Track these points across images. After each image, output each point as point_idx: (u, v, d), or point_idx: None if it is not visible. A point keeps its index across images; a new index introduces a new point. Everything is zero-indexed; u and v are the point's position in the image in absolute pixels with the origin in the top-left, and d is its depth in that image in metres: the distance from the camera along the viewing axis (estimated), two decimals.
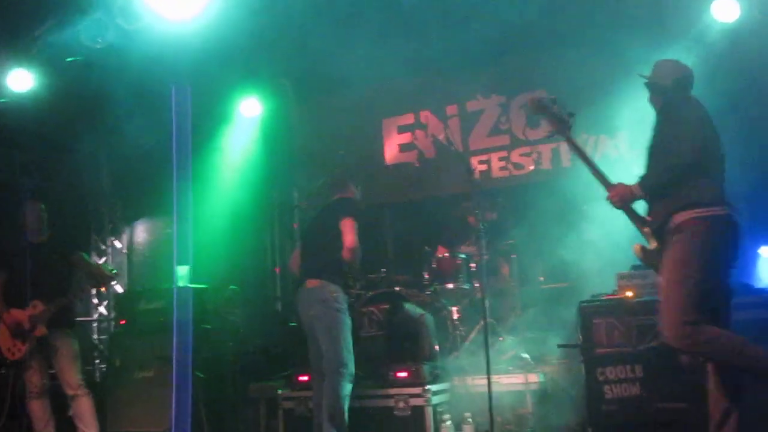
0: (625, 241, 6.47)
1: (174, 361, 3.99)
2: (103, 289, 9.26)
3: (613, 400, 5.31)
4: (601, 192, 6.89)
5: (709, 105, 4.54)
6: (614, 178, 7.00)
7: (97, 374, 9.02)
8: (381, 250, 8.48)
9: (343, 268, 5.69)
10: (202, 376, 6.64)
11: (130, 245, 10.24)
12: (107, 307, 9.86)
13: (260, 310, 8.97)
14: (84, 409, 6.31)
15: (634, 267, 5.70)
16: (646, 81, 4.69)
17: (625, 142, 8.04)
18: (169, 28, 6.68)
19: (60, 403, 6.44)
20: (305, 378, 6.26)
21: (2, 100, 7.48)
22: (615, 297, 5.61)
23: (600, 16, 7.55)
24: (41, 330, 6.17)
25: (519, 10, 7.62)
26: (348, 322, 5.61)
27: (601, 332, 5.44)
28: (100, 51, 6.94)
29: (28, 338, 6.18)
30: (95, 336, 9.77)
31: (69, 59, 7.26)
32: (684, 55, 7.15)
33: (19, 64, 7.28)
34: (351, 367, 5.48)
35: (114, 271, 6.88)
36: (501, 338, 6.65)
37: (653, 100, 4.69)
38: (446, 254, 7.00)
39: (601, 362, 5.38)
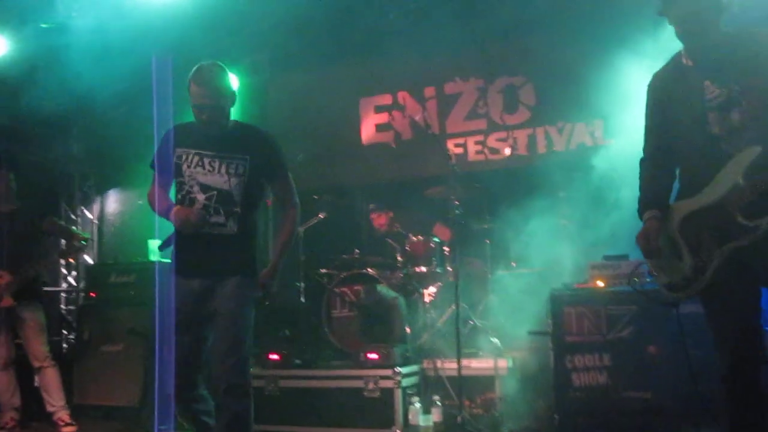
0: (598, 230, 6.61)
1: (157, 337, 3.96)
2: (71, 260, 9.16)
3: (580, 388, 5.37)
4: (580, 180, 7.04)
5: None
6: (587, 169, 7.18)
7: (65, 345, 8.95)
8: (354, 231, 8.45)
9: None
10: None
11: (101, 215, 10.14)
12: (76, 278, 9.77)
13: None
14: (50, 380, 6.27)
15: (606, 257, 5.75)
16: None
17: (600, 130, 8.06)
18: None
19: (26, 374, 6.39)
20: (276, 357, 6.27)
21: None
22: (586, 286, 5.65)
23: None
24: (7, 301, 6.10)
25: None
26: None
27: (571, 320, 5.49)
28: (76, 19, 6.82)
29: None
30: (63, 306, 9.67)
31: (44, 25, 7.13)
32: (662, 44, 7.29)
33: None
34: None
35: (87, 236, 6.79)
36: (471, 322, 6.68)
37: None
38: (420, 238, 7.00)
39: (570, 350, 5.43)
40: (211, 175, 3.98)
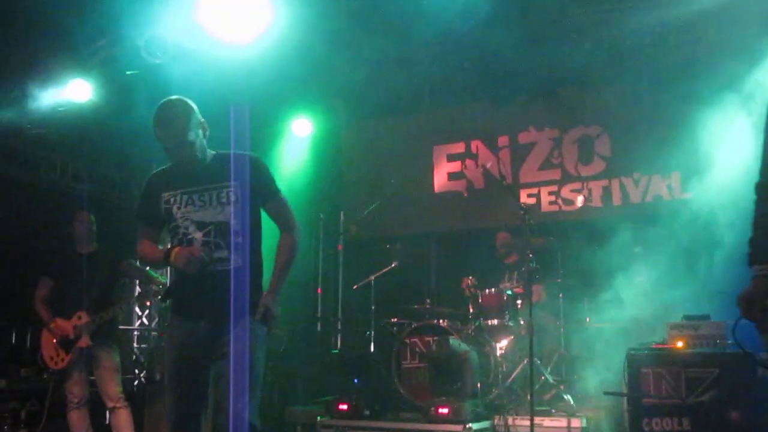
0: (676, 288, 6.43)
1: (231, 379, 3.79)
2: (147, 303, 9.31)
3: None
4: (656, 234, 6.89)
5: None
6: (664, 223, 7.04)
7: (135, 383, 9.06)
8: (425, 280, 8.42)
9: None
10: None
11: None
12: (148, 317, 9.92)
13: (301, 331, 8.97)
14: (122, 421, 6.33)
15: (687, 317, 5.59)
16: None
17: (678, 183, 7.89)
18: (227, 49, 6.74)
19: (98, 412, 6.49)
20: (345, 407, 6.23)
21: (61, 109, 7.58)
22: (665, 346, 5.49)
23: (658, 52, 7.44)
24: (85, 341, 6.21)
25: (575, 43, 7.56)
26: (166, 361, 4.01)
27: (649, 382, 5.33)
28: (158, 66, 7.01)
29: (71, 348, 6.23)
30: (135, 345, 9.82)
31: (128, 72, 7.35)
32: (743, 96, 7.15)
33: (79, 74, 7.38)
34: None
35: (164, 281, 6.90)
36: (543, 378, 6.55)
37: None
38: (492, 290, 6.92)
39: (647, 412, 5.27)
40: (204, 210, 3.79)
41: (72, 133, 8.42)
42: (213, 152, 3.94)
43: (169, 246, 3.85)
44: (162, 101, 3.79)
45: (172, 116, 3.72)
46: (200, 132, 3.83)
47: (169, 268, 9.09)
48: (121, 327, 8.23)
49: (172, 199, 3.84)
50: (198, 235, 3.76)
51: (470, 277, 7.36)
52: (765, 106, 3.33)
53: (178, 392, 3.77)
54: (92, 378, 6.41)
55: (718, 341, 5.33)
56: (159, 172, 3.97)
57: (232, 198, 3.79)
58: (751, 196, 3.19)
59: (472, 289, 7.34)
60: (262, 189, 3.89)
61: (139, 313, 9.91)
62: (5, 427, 6.90)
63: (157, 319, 9.60)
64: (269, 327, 3.88)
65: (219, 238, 3.77)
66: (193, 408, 3.79)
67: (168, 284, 6.34)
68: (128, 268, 6.60)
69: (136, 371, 9.29)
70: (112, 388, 6.32)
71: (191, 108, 3.82)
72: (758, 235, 3.03)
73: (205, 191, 3.81)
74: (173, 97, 3.83)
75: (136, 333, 9.87)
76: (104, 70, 7.38)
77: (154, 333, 9.50)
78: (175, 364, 3.80)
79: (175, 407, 3.76)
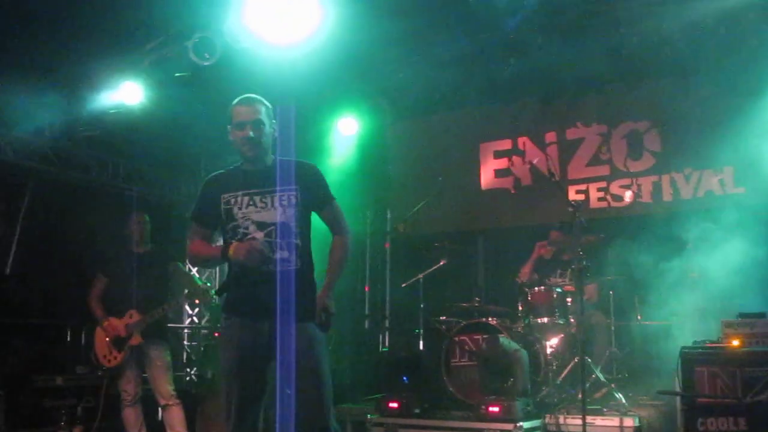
0: (730, 285, 6.33)
1: (278, 378, 3.79)
2: (197, 301, 9.42)
3: None
4: (709, 229, 6.78)
5: None
6: (718, 218, 6.92)
7: (186, 380, 9.19)
8: (473, 278, 8.39)
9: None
10: (289, 392, 6.68)
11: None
12: (198, 315, 10.05)
13: (350, 328, 9.01)
14: (174, 418, 6.44)
15: (741, 315, 5.49)
16: None
17: (730, 178, 7.76)
18: (273, 50, 6.78)
19: (151, 409, 6.60)
20: (395, 405, 6.24)
21: (112, 111, 7.71)
22: (720, 345, 5.40)
23: (708, 44, 7.31)
24: (137, 339, 6.32)
25: (623, 37, 7.47)
26: (222, 361, 4.04)
27: (704, 381, 5.25)
28: (207, 68, 7.07)
29: (124, 347, 6.34)
30: (186, 343, 9.96)
31: (177, 74, 7.43)
32: None
33: (130, 77, 7.49)
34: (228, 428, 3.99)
35: (208, 284, 6.99)
36: (594, 376, 6.49)
37: None
38: (542, 288, 6.88)
39: (702, 412, 5.18)
40: (265, 211, 3.90)
41: (123, 135, 8.57)
42: (274, 157, 4.06)
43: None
44: (245, 97, 4.01)
45: (255, 98, 3.98)
46: (271, 130, 4.01)
47: (218, 273, 9.30)
48: (171, 325, 8.37)
49: (232, 200, 3.94)
50: (259, 235, 3.86)
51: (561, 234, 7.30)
52: None
53: (237, 391, 3.82)
54: (145, 376, 6.53)
55: None
56: (218, 175, 4.09)
57: (293, 201, 3.92)
58: None
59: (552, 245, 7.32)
60: (320, 195, 4.05)
61: (190, 312, 10.05)
62: (62, 423, 7.06)
63: (207, 317, 9.72)
64: (327, 326, 4.00)
65: (280, 239, 3.87)
66: (252, 406, 3.86)
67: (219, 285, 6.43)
68: (175, 272, 6.70)
69: (188, 369, 9.42)
70: (164, 386, 6.42)
71: (269, 105, 4.04)
72: None
73: (267, 194, 3.92)
74: (255, 95, 4.04)
75: (186, 331, 10.01)
76: (154, 73, 7.45)
77: (204, 331, 9.62)
78: (235, 363, 3.85)
79: (234, 406, 3.81)
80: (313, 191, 4.02)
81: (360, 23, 7.00)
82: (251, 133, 3.91)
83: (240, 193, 3.94)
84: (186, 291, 6.65)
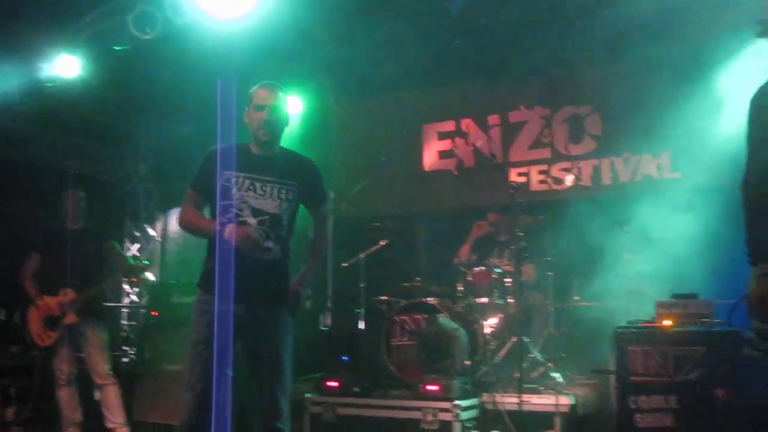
0: (665, 266, 6.46)
1: (215, 357, 3.87)
2: (134, 280, 9.30)
3: (644, 429, 5.22)
4: (645, 213, 6.90)
5: None
6: (655, 201, 7.05)
7: (124, 360, 9.06)
8: (414, 259, 8.41)
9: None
10: (229, 373, 6.63)
11: (164, 234, 10.27)
12: (138, 294, 9.92)
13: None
14: (111, 398, 6.37)
15: (675, 295, 5.61)
16: None
17: (667, 162, 7.90)
18: (216, 24, 6.69)
19: (88, 389, 6.50)
20: (335, 384, 6.24)
21: (50, 84, 7.52)
22: (653, 325, 5.51)
23: (647, 30, 7.42)
24: (71, 318, 6.22)
25: (567, 23, 7.54)
26: (192, 335, 4.06)
27: (637, 360, 5.34)
28: (147, 41, 6.95)
29: (58, 326, 6.23)
30: (125, 322, 9.82)
31: (117, 48, 7.28)
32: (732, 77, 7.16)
33: (68, 50, 7.32)
34: (184, 396, 4.05)
35: (146, 263, 6.89)
36: (531, 355, 6.57)
37: None
38: (481, 268, 6.94)
39: (634, 390, 5.27)
40: (263, 199, 3.99)
41: (61, 109, 8.36)
42: (280, 147, 4.20)
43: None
44: (269, 82, 4.12)
45: (276, 85, 4.11)
46: (287, 120, 4.17)
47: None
48: (110, 304, 8.25)
49: (233, 179, 3.99)
50: (253, 221, 3.96)
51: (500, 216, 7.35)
52: (750, 99, 3.35)
53: (203, 362, 3.89)
54: (81, 355, 6.42)
55: (705, 320, 5.35)
56: (225, 149, 4.07)
57: (291, 196, 4.06)
58: (738, 177, 3.23)
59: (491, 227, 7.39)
60: (318, 194, 4.30)
61: (129, 291, 9.92)
62: None
63: (147, 297, 9.59)
64: (296, 312, 4.20)
65: (270, 229, 3.99)
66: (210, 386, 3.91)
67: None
68: (110, 251, 6.58)
69: (126, 348, 9.29)
70: (100, 365, 6.34)
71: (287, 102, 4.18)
72: (756, 234, 3.07)
73: (267, 183, 4.02)
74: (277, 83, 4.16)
75: (125, 310, 9.88)
76: (93, 46, 7.30)
77: (143, 310, 9.49)
78: (207, 338, 3.89)
79: (198, 374, 3.91)
80: (311, 189, 4.20)
81: (302, 1, 6.95)
82: (269, 117, 4.00)
83: (243, 174, 4.00)
84: (124, 268, 6.56)
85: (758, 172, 3.12)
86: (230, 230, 3.85)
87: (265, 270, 3.99)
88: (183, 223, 4.19)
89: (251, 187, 3.98)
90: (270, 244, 3.98)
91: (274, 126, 4.05)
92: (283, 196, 4.03)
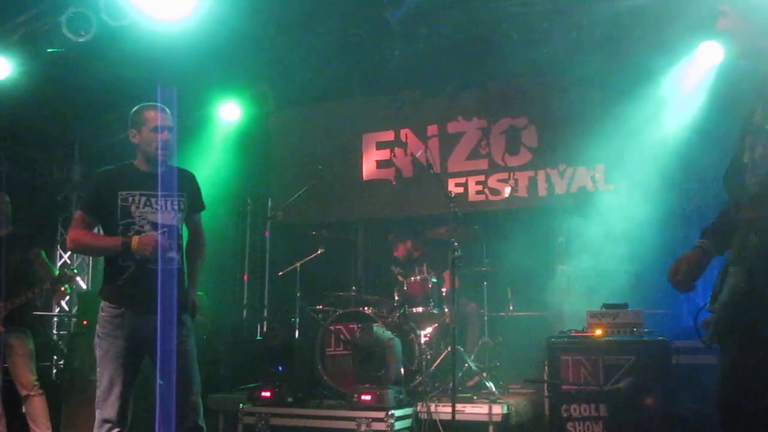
0: (597, 278, 6.57)
1: (158, 366, 4.07)
2: (61, 289, 9.07)
3: None
4: (580, 224, 7.02)
5: None
6: (589, 213, 7.17)
7: (54, 371, 8.84)
8: (351, 268, 8.41)
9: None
10: (162, 383, 6.51)
11: None
12: (69, 303, 9.68)
13: (227, 317, 8.86)
14: (37, 409, 6.19)
15: (606, 305, 5.70)
16: None
17: (601, 175, 8.04)
18: (154, 27, 6.60)
19: (13, 401, 6.30)
20: (268, 394, 6.19)
21: None
22: (584, 334, 5.59)
23: (584, 45, 7.55)
24: None
25: (504, 36, 7.63)
26: (108, 349, 4.18)
27: (568, 369, 5.43)
28: (82, 44, 6.82)
29: None
30: (55, 332, 9.57)
31: (50, 50, 7.12)
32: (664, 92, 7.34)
33: None
34: (106, 413, 4.18)
35: (74, 271, 6.73)
36: (466, 365, 6.61)
37: None
38: (417, 278, 6.95)
39: (566, 399, 5.36)
40: (160, 213, 4.20)
41: None
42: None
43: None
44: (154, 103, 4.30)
45: (164, 107, 4.29)
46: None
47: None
48: (39, 313, 8.02)
49: (130, 198, 4.19)
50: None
51: (399, 244, 7.42)
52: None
53: (122, 376, 4.13)
54: (6, 366, 6.23)
55: (635, 329, 5.45)
56: (112, 170, 4.32)
57: (182, 207, 4.32)
58: (668, 191, 3.34)
59: (403, 256, 7.40)
60: (198, 202, 4.53)
61: (59, 300, 9.66)
62: None
63: (77, 306, 9.37)
64: (194, 317, 4.46)
65: (170, 240, 4.21)
66: (128, 392, 4.18)
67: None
68: (35, 259, 6.41)
69: (55, 358, 9.07)
70: (26, 376, 6.16)
71: None
72: (717, 218, 3.27)
73: (161, 197, 4.24)
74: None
75: (55, 319, 9.64)
76: (25, 48, 7.12)
77: (74, 319, 9.27)
78: (123, 352, 4.12)
79: (118, 390, 4.12)
80: (194, 198, 4.46)
81: (243, 5, 6.91)
82: (168, 138, 4.23)
83: (137, 192, 4.20)
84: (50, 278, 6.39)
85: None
86: (139, 241, 4.05)
87: (171, 279, 4.19)
88: (78, 245, 4.33)
89: (148, 203, 4.19)
90: (173, 254, 4.20)
91: (171, 147, 4.28)
92: (177, 207, 4.27)
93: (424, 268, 7.07)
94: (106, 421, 4.14)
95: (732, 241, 3.12)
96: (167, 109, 4.29)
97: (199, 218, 4.59)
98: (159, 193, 4.22)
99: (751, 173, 3.06)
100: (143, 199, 4.18)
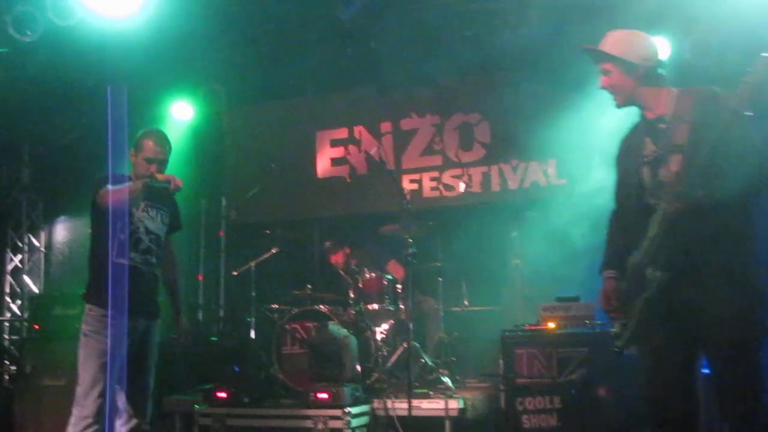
0: (551, 271, 6.64)
1: (108, 371, 4.25)
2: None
3: (530, 430, 5.35)
4: (533, 219, 7.09)
5: None
6: (542, 207, 7.25)
7: (6, 378, 8.69)
8: (307, 266, 8.38)
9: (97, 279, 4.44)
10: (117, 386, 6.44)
11: (49, 244, 9.90)
12: (20, 307, 9.53)
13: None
14: None
15: (558, 299, 5.77)
16: None
17: (553, 169, 8.11)
18: (103, 26, 6.52)
19: None
20: (224, 394, 6.15)
21: None
22: (537, 327, 5.66)
23: (534, 40, 7.60)
24: None
25: (455, 32, 7.66)
26: (95, 347, 4.31)
27: (522, 362, 5.49)
28: (29, 44, 6.71)
29: None
30: (6, 336, 9.42)
31: None
32: None
33: None
34: (87, 410, 4.23)
35: None
36: (422, 360, 6.64)
37: None
38: (372, 275, 6.96)
39: (520, 392, 5.42)
40: (153, 222, 4.61)
41: None
42: None
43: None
44: (156, 128, 4.74)
45: (167, 139, 4.65)
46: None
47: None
48: None
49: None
50: (146, 238, 4.56)
51: (338, 251, 7.43)
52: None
53: (104, 377, 4.27)
54: None
55: (587, 321, 5.53)
56: (120, 176, 4.59)
57: (167, 220, 4.74)
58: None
59: (341, 264, 7.43)
60: (178, 220, 4.92)
61: (9, 302, 9.53)
62: None
63: (28, 311, 9.22)
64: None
65: (156, 247, 4.61)
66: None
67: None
68: None
69: (7, 362, 8.92)
70: None
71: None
72: (609, 249, 3.68)
73: (154, 208, 4.64)
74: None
75: (6, 324, 9.49)
76: None
77: (25, 324, 9.12)
78: (106, 353, 4.28)
79: (100, 392, 4.24)
80: (175, 215, 4.87)
81: (192, 4, 6.85)
82: (158, 171, 4.47)
83: (143, 201, 4.59)
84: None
85: (614, 209, 3.74)
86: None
87: (150, 283, 4.62)
88: (116, 197, 4.38)
89: (145, 210, 4.57)
90: (154, 259, 4.59)
91: (164, 158, 4.56)
92: (164, 219, 4.70)
93: (365, 271, 7.09)
94: (85, 417, 4.23)
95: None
96: (168, 141, 4.61)
97: (172, 238, 4.87)
98: (154, 204, 4.61)
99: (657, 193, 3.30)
100: (142, 205, 4.55)
